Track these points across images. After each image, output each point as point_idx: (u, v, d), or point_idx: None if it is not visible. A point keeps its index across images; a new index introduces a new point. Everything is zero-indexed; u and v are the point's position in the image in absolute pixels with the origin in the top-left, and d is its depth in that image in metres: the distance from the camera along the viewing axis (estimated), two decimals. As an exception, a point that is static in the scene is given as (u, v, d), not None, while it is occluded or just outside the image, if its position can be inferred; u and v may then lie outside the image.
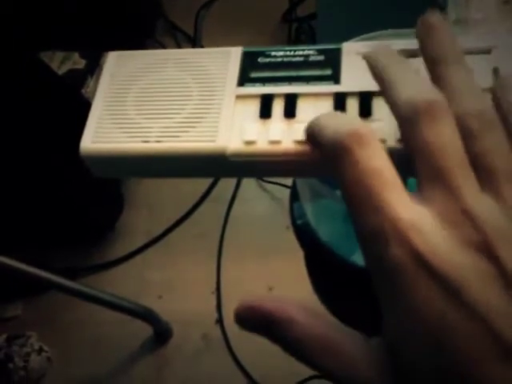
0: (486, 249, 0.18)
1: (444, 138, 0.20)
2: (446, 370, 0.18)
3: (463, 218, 0.19)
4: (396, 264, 0.18)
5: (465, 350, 0.17)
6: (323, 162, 0.26)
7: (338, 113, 0.24)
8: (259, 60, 0.30)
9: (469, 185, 0.19)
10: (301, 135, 0.27)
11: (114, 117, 0.29)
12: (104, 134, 0.29)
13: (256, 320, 0.21)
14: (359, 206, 0.19)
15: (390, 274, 0.19)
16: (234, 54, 0.30)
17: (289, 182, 0.50)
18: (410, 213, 0.19)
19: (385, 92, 0.23)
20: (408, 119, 0.20)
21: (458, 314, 0.18)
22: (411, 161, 0.21)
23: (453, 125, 0.20)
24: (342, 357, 0.20)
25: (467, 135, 0.20)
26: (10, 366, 1.17)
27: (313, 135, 0.23)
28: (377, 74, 0.24)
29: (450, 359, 0.17)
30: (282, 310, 0.21)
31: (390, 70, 0.23)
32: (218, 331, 1.18)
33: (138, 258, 1.32)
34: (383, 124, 0.26)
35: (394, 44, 0.29)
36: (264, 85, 0.29)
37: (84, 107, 0.30)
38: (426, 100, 0.20)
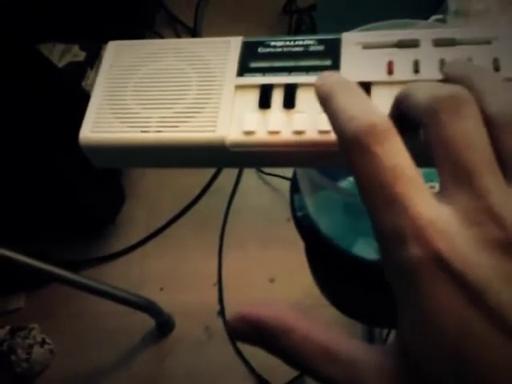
0: (511, 249, 0.17)
1: (470, 131, 0.19)
2: (465, 377, 0.17)
3: (488, 217, 0.18)
4: (415, 265, 0.17)
5: (485, 357, 0.16)
6: (323, 152, 0.27)
7: (356, 91, 0.21)
8: (259, 50, 0.30)
9: (495, 182, 0.18)
10: (300, 125, 0.27)
11: (114, 106, 0.29)
12: (103, 123, 0.29)
13: (251, 331, 0.21)
14: (377, 204, 0.18)
15: (408, 275, 0.18)
16: (234, 43, 0.30)
17: (289, 173, 0.50)
18: (432, 211, 0.18)
19: (403, 101, 0.21)
20: (430, 113, 0.19)
21: (480, 319, 0.17)
22: (433, 157, 0.19)
23: (478, 117, 0.19)
24: (344, 363, 0.19)
25: (494, 129, 0.19)
26: (13, 358, 1.18)
27: (324, 108, 0.22)
28: (400, 96, 0.22)
29: (470, 367, 0.17)
30: (278, 318, 0.20)
31: (408, 86, 0.22)
32: (219, 323, 1.19)
33: (140, 251, 1.32)
34: None
35: (392, 34, 0.29)
36: (263, 75, 0.29)
37: (84, 100, 0.30)
38: (449, 93, 0.19)
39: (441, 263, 0.17)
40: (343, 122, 0.20)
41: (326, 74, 0.23)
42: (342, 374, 0.19)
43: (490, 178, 0.18)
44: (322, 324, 0.21)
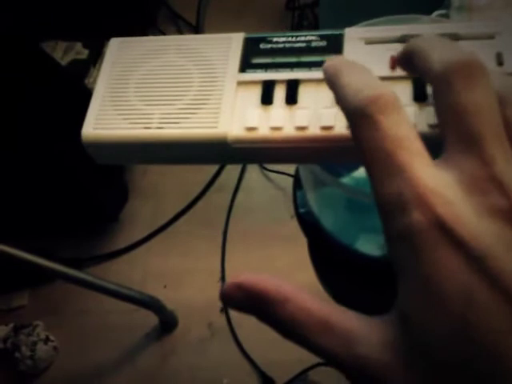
0: None
1: (482, 99, 0.19)
2: (469, 343, 0.17)
3: (491, 186, 0.18)
4: (417, 231, 0.18)
5: (486, 323, 0.17)
6: (326, 148, 0.27)
7: (361, 68, 0.22)
8: (261, 46, 0.30)
9: (501, 152, 0.18)
10: (302, 121, 0.27)
11: (116, 103, 0.29)
12: (105, 120, 0.29)
13: (246, 299, 0.20)
14: (379, 172, 0.19)
15: (410, 242, 0.18)
16: (236, 39, 0.30)
17: (293, 170, 0.50)
18: (434, 178, 0.18)
19: (417, 62, 0.22)
20: (443, 78, 0.19)
21: (481, 284, 0.17)
22: (440, 124, 0.20)
23: (490, 87, 0.19)
24: (341, 334, 0.19)
25: (504, 100, 0.20)
26: (17, 355, 1.18)
27: (331, 86, 0.22)
28: (409, 51, 0.23)
29: (475, 333, 0.17)
30: (274, 287, 0.20)
31: (421, 41, 0.22)
32: (223, 320, 1.19)
33: (143, 248, 1.33)
34: None
35: (395, 29, 0.29)
36: (266, 71, 0.29)
37: (87, 97, 0.30)
38: (463, 60, 0.19)
39: (443, 229, 0.17)
40: (349, 95, 0.20)
41: (333, 57, 0.24)
42: (340, 345, 0.19)
43: (496, 147, 0.18)
44: (319, 297, 0.20)
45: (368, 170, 0.19)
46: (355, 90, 0.20)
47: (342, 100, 0.21)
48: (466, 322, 0.17)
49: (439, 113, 0.20)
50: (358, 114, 0.19)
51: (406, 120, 0.19)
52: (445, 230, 0.17)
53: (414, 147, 0.19)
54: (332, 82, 0.22)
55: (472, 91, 0.19)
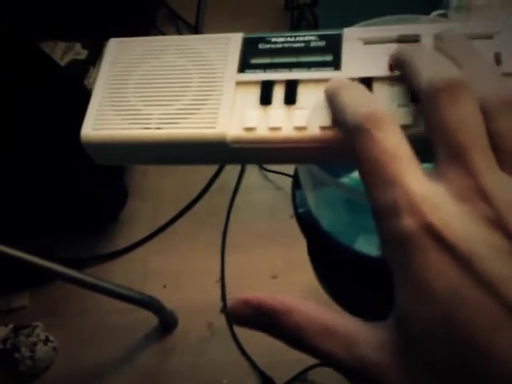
0: (499, 224, 0.18)
1: (464, 115, 0.20)
2: (456, 339, 0.18)
3: (478, 196, 0.19)
4: (408, 235, 0.19)
5: (474, 320, 0.17)
6: (325, 148, 0.27)
7: (359, 88, 0.24)
8: (259, 46, 0.30)
9: (486, 163, 0.20)
10: (301, 122, 0.27)
11: (115, 103, 0.29)
12: (104, 120, 0.29)
13: (252, 314, 0.22)
14: (374, 181, 0.20)
15: (402, 246, 0.19)
16: (235, 40, 0.30)
17: (292, 171, 0.50)
18: (424, 188, 0.19)
19: (408, 76, 0.23)
20: (429, 97, 0.21)
21: (468, 284, 0.18)
22: (430, 140, 0.21)
23: (474, 103, 0.21)
24: (343, 338, 0.20)
25: (487, 115, 0.21)
26: (17, 355, 1.18)
27: (332, 105, 0.24)
28: (400, 60, 0.25)
29: (461, 329, 0.18)
30: (279, 300, 0.21)
31: (412, 53, 0.24)
32: (222, 320, 1.19)
33: (143, 248, 1.33)
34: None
35: (393, 30, 0.29)
36: (264, 71, 0.29)
37: (86, 98, 0.30)
38: (446, 78, 0.21)
39: (432, 234, 0.19)
40: (347, 114, 0.22)
41: (333, 79, 0.26)
42: (342, 349, 0.20)
43: (481, 159, 0.20)
44: (321, 305, 0.22)
45: (364, 179, 0.21)
46: (353, 109, 0.22)
47: (340, 118, 0.23)
48: (454, 321, 0.18)
49: (428, 128, 0.21)
50: (355, 129, 0.21)
51: (399, 134, 0.21)
52: (434, 234, 0.19)
53: (407, 159, 0.20)
54: (331, 100, 0.24)
55: (457, 107, 0.20)
